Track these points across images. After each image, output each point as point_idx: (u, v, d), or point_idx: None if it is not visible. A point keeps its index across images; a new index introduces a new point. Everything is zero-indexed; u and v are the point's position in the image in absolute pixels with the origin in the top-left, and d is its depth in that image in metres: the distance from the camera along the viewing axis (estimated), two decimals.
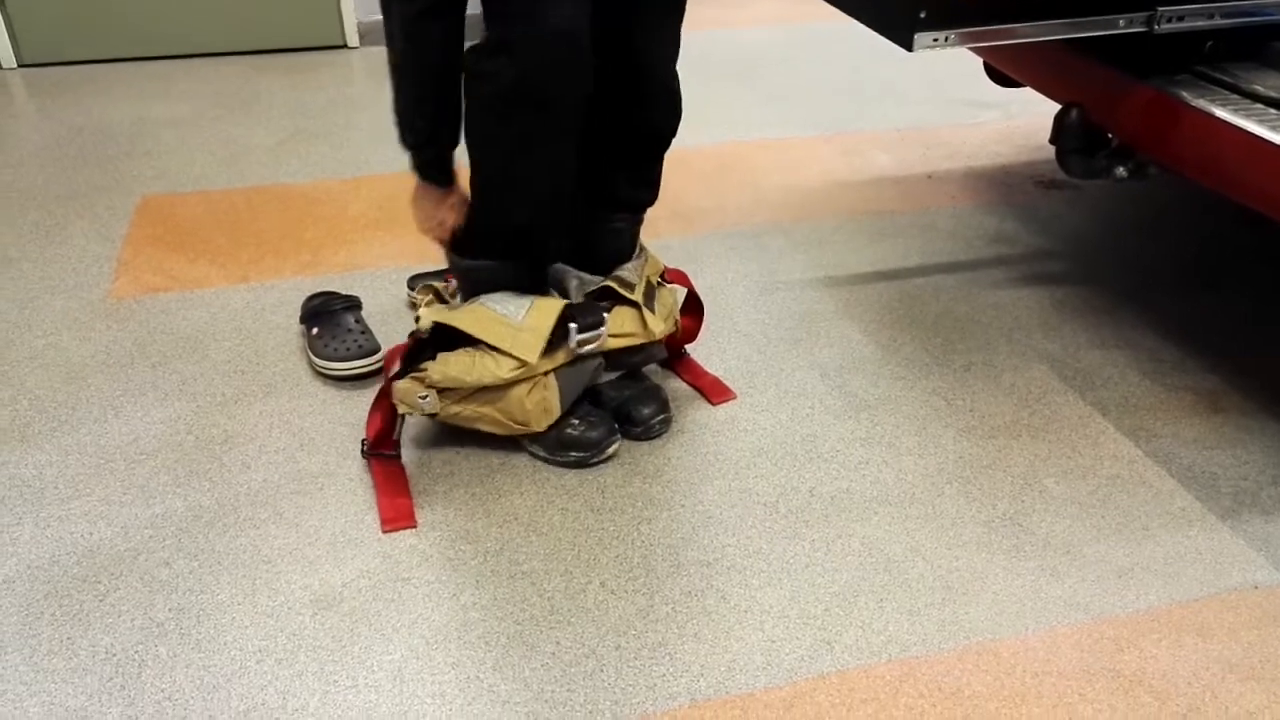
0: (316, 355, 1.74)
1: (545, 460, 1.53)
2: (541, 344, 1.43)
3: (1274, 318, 1.91)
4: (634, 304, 1.53)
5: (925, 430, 1.61)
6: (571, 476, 1.50)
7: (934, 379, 1.74)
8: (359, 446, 1.54)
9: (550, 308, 1.46)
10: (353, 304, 1.80)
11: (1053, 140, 1.67)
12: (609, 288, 1.54)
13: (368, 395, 1.67)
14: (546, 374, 1.46)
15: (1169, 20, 1.44)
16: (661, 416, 1.60)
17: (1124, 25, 1.45)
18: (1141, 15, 1.44)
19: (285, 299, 1.94)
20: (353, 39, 3.32)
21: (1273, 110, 1.41)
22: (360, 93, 2.97)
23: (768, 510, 1.44)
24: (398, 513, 1.43)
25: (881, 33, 1.49)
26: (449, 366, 1.44)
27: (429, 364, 1.45)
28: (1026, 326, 1.88)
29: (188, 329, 1.86)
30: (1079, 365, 1.76)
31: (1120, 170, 1.65)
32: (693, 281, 1.76)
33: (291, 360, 1.78)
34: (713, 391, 1.69)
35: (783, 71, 3.15)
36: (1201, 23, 1.46)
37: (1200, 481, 1.50)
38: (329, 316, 1.77)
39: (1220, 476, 1.51)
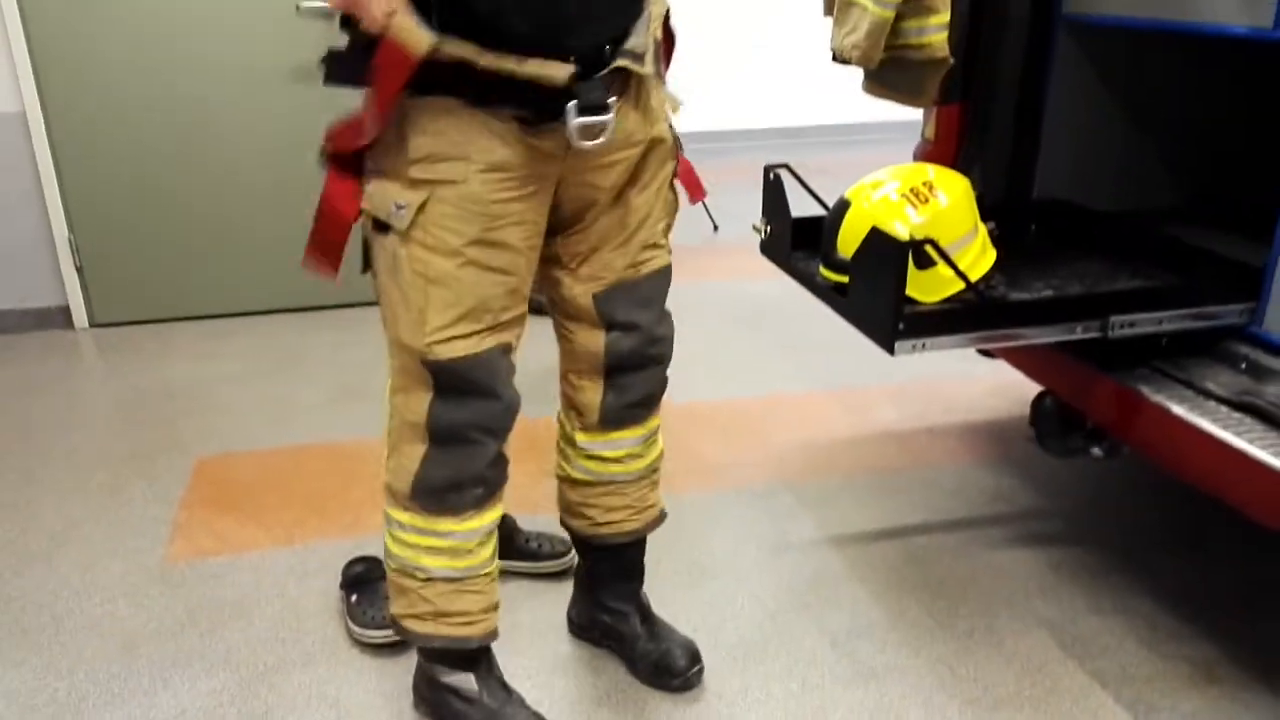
0: (355, 623, 1.86)
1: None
2: (567, 70, 1.26)
3: (1263, 581, 2.00)
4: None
5: (931, 701, 1.68)
6: None
7: (939, 645, 1.82)
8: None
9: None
10: None
11: (1031, 424, 1.83)
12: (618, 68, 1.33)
13: (405, 662, 1.76)
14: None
15: (1121, 327, 1.63)
16: (697, 668, 1.71)
17: (1081, 331, 1.64)
18: (1096, 322, 1.63)
19: (327, 562, 2.07)
20: None
21: (1224, 408, 1.57)
22: None
23: None
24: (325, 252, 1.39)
25: (869, 337, 1.68)
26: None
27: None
28: (1026, 589, 1.97)
29: (235, 595, 1.99)
30: (1077, 632, 1.85)
31: (1096, 450, 1.80)
32: (706, 539, 1.87)
33: (331, 626, 1.89)
34: (692, 188, 1.62)
35: (792, 323, 3.39)
36: (1151, 329, 1.65)
37: None
38: (369, 585, 1.90)
39: None
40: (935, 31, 1.94)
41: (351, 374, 3.03)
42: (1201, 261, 1.81)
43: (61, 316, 3.35)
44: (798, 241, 2.01)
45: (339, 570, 1.98)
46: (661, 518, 1.75)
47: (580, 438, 1.62)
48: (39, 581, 2.03)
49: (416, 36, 1.22)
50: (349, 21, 1.27)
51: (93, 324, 3.40)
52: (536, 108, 1.29)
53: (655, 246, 1.54)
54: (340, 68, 1.29)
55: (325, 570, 2.05)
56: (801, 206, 1.96)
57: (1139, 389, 1.66)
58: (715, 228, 4.57)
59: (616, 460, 1.64)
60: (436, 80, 1.25)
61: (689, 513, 2.25)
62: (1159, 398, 1.63)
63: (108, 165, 3.23)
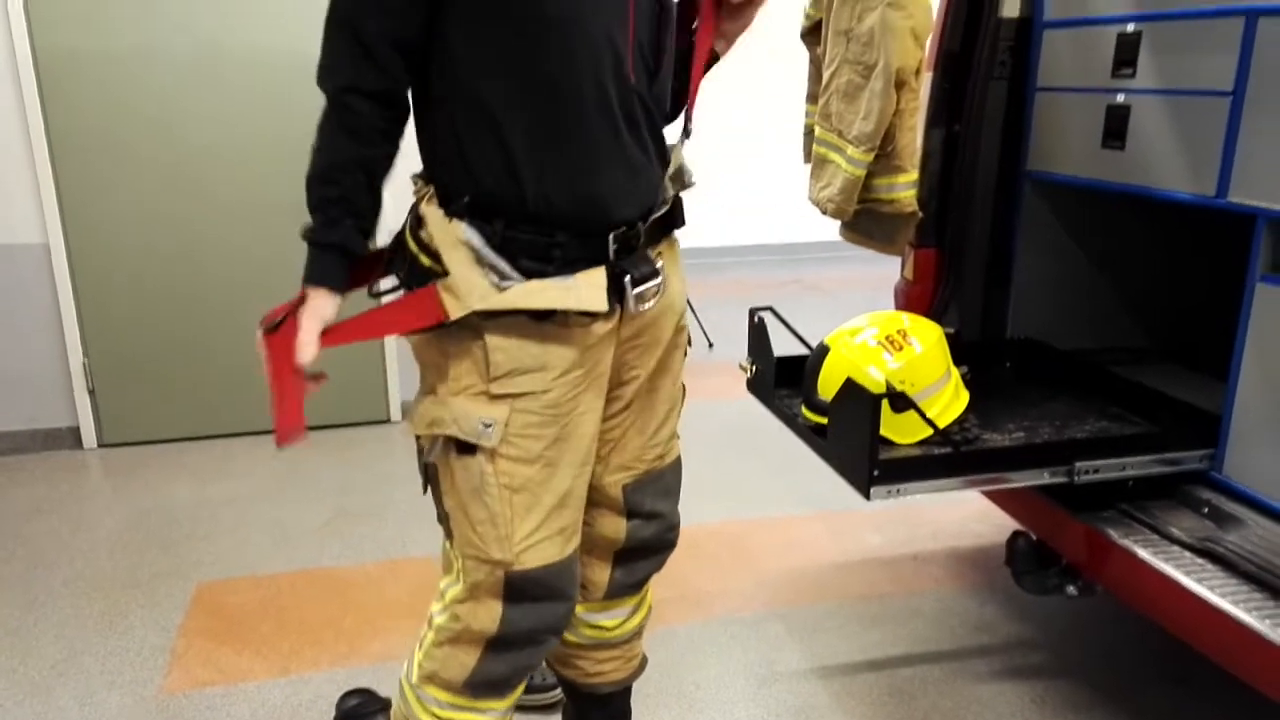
0: None
1: None
2: (602, 294, 1.34)
3: (1247, 716, 2.02)
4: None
5: None
6: None
7: None
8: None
9: (596, 272, 1.36)
10: (385, 706, 1.97)
11: (1007, 563, 1.89)
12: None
13: None
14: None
15: (1087, 473, 1.71)
16: None
17: (1049, 476, 1.72)
18: (1063, 468, 1.71)
19: (321, 693, 2.11)
20: (396, 414, 3.71)
21: (1187, 554, 1.64)
22: (401, 469, 3.30)
23: None
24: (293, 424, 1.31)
25: (846, 480, 1.76)
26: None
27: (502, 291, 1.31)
28: None
29: None
30: None
31: (1070, 589, 1.86)
32: (695, 670, 1.90)
33: None
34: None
35: (780, 443, 3.44)
36: (1115, 474, 1.73)
37: None
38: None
39: None
40: (904, 189, 2.08)
41: (349, 495, 3.09)
42: (1163, 407, 1.90)
43: (71, 437, 3.43)
44: (782, 379, 2.11)
45: (333, 702, 2.02)
46: (644, 664, 1.81)
47: (580, 609, 1.67)
48: (38, 713, 2.06)
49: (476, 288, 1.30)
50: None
51: (101, 444, 3.47)
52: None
53: (674, 436, 1.63)
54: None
55: (319, 701, 2.08)
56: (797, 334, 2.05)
57: (1107, 532, 1.73)
58: (710, 345, 4.68)
59: (614, 626, 1.70)
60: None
61: (679, 643, 2.28)
62: (1125, 541, 1.69)
63: (123, 292, 3.36)
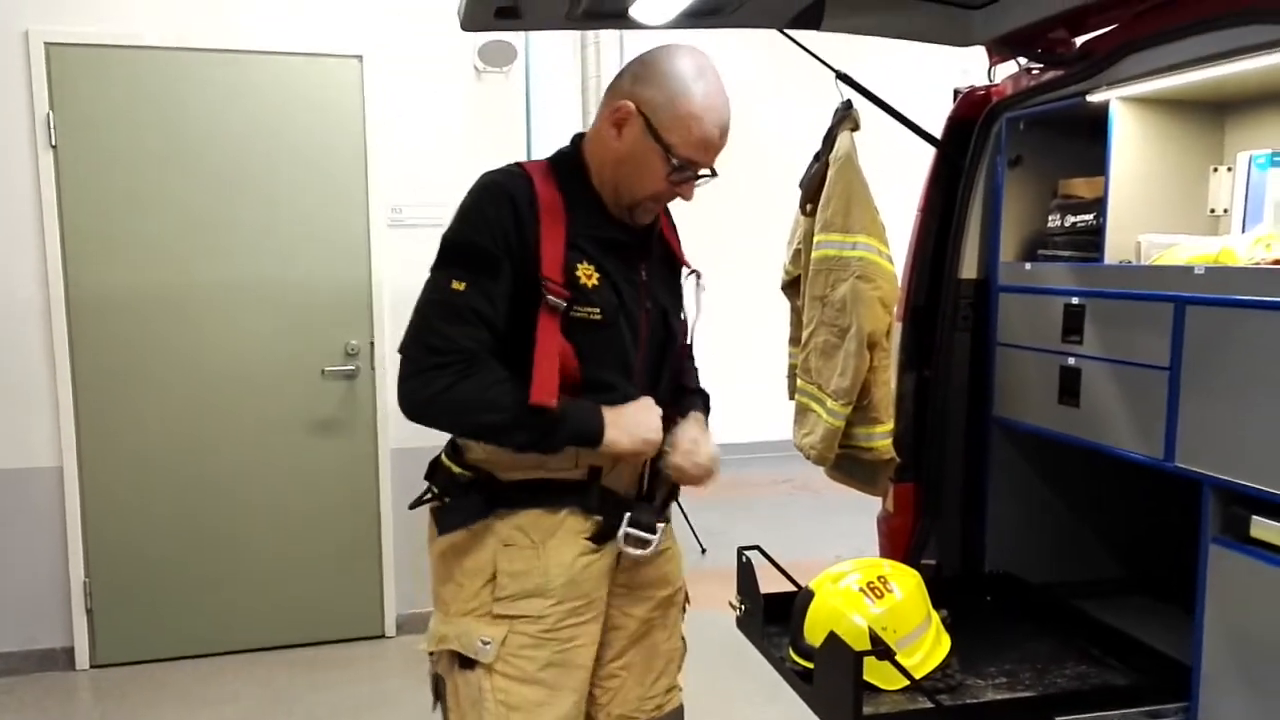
0: None
1: None
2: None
3: None
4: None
5: None
6: None
7: None
8: None
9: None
10: None
11: None
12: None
13: None
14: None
15: None
16: None
17: None
18: None
19: None
20: (391, 629, 3.71)
21: None
22: (394, 687, 3.28)
23: None
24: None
25: None
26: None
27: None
28: None
29: None
30: None
31: None
32: None
33: None
34: None
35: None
36: None
37: None
38: None
39: None
40: (881, 438, 2.22)
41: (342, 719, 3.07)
42: (1139, 653, 1.96)
43: (65, 657, 3.43)
44: (771, 616, 2.18)
45: None
46: None
47: None
48: None
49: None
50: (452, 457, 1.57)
51: (93, 665, 3.46)
52: (604, 513, 1.57)
53: (674, 688, 1.74)
54: (455, 515, 1.55)
55: None
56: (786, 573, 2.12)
57: None
58: (703, 550, 4.68)
59: None
60: (520, 493, 1.53)
61: None
62: None
63: (129, 514, 3.45)
